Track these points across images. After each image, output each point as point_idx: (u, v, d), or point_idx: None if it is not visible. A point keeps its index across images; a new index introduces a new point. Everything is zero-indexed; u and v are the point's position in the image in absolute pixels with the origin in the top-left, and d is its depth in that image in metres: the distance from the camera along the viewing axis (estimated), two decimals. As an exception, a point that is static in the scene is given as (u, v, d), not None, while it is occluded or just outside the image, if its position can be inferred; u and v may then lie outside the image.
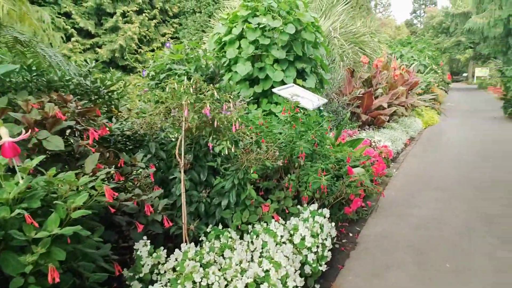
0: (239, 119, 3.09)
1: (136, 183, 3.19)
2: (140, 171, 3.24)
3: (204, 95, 3.06)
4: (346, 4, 10.21)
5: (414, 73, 13.32)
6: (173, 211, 3.39)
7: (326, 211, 3.72)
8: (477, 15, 13.57)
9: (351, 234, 4.15)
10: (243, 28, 6.02)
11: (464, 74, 54.00)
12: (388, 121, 9.63)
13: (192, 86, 3.11)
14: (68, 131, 3.11)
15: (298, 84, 5.92)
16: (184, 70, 4.04)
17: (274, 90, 4.81)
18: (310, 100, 4.61)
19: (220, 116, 3.05)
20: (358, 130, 8.16)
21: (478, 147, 9.35)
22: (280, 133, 4.05)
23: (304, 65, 6.13)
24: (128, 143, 3.62)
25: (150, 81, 4.27)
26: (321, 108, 5.73)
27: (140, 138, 3.63)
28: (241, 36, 6.09)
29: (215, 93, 3.09)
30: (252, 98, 5.93)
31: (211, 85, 3.87)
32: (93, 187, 2.33)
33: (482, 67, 45.16)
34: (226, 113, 3.14)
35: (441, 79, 23.26)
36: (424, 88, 15.74)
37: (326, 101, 5.34)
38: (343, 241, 3.99)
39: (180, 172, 3.21)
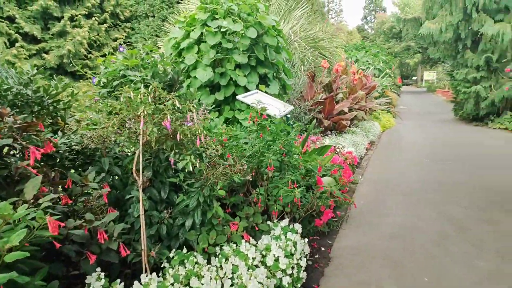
0: (204, 131, 2.78)
1: (87, 205, 2.80)
2: (92, 192, 2.86)
3: (164, 104, 2.73)
4: (303, 9, 10.13)
5: (371, 77, 13.48)
6: (131, 235, 3.02)
7: (298, 226, 3.48)
8: (429, 20, 13.93)
9: (323, 249, 3.93)
10: (202, 32, 5.71)
11: (414, 78, 56.17)
12: (349, 126, 9.60)
13: (150, 95, 2.77)
14: (5, 150, 2.68)
15: (261, 90, 5.68)
16: (140, 76, 3.68)
17: (238, 97, 4.52)
18: (277, 108, 4.37)
19: (183, 128, 2.73)
20: (321, 136, 8.04)
21: (435, 150, 9.51)
22: (246, 143, 3.77)
23: (267, 70, 5.90)
24: (77, 159, 3.21)
25: (101, 89, 3.87)
26: (288, 115, 5.52)
27: (91, 153, 3.23)
28: (199, 41, 5.78)
29: (177, 102, 2.77)
30: (213, 105, 5.62)
31: (171, 93, 3.54)
32: (34, 218, 1.95)
33: (430, 71, 47.24)
34: (189, 124, 2.82)
35: (393, 83, 23.94)
36: (380, 92, 16.02)
37: (293, 108, 5.12)
38: (315, 256, 3.76)
39: (138, 190, 2.85)
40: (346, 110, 8.87)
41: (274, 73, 6.15)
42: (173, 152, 2.84)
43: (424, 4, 15.57)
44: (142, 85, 3.30)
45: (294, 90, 7.96)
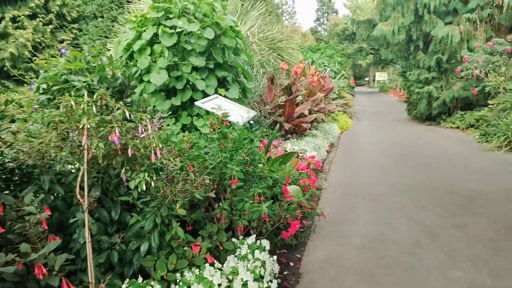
0: (160, 144, 2.44)
1: (23, 233, 2.40)
2: (30, 217, 2.44)
3: (112, 115, 2.37)
4: (260, 10, 9.91)
5: (329, 79, 13.50)
6: (77, 264, 2.63)
7: (266, 243, 3.21)
8: (382, 22, 14.15)
9: (292, 264, 3.67)
10: (155, 33, 5.33)
11: (366, 78, 57.68)
12: (310, 129, 9.48)
13: (95, 104, 2.40)
14: None
15: (220, 94, 5.38)
16: (85, 82, 3.27)
17: (196, 103, 4.18)
18: (239, 114, 4.08)
19: (135, 142, 2.37)
20: (282, 140, 7.84)
21: (394, 150, 9.58)
22: (207, 153, 3.45)
23: (226, 73, 5.60)
24: (12, 178, 2.77)
25: (40, 96, 3.43)
26: (252, 122, 5.25)
27: (29, 170, 2.80)
28: (152, 42, 5.39)
29: (127, 112, 2.41)
30: (169, 111, 5.25)
31: (122, 100, 3.17)
32: None
33: (381, 71, 48.70)
34: (142, 136, 2.47)
35: (347, 84, 24.33)
36: (336, 93, 16.14)
37: (256, 113, 4.85)
38: (284, 273, 3.49)
39: (83, 213, 2.47)
40: (306, 112, 8.73)
41: (234, 76, 5.86)
42: (124, 168, 2.47)
43: (378, 6, 15.83)
44: (87, 91, 2.90)
45: (254, 93, 7.71)
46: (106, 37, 17.72)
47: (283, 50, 10.14)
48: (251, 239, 3.18)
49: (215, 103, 3.95)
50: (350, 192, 6.01)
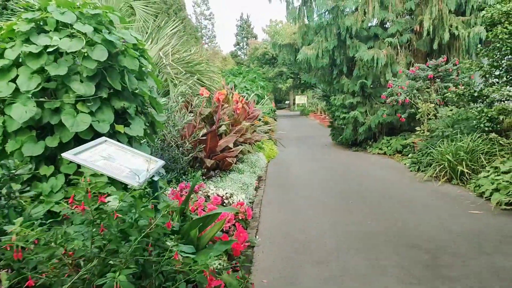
0: None
1: None
2: None
3: None
4: (175, 27, 8.70)
5: (253, 105, 12.57)
6: None
7: None
8: (306, 46, 13.65)
9: None
10: (22, 51, 3.87)
11: (286, 102, 58.72)
12: (235, 163, 8.32)
13: None
14: None
15: (119, 131, 4.04)
16: None
17: (65, 155, 2.74)
18: (136, 169, 2.80)
19: None
20: (204, 180, 6.57)
21: (329, 184, 8.74)
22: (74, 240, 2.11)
23: (126, 103, 4.26)
24: None
25: None
26: (161, 173, 3.96)
27: None
28: (20, 62, 3.92)
29: None
30: (44, 156, 3.80)
31: None
32: None
33: (301, 95, 49.75)
34: None
35: (271, 109, 23.84)
36: (261, 119, 15.30)
37: (163, 163, 3.56)
38: None
39: None
40: (231, 145, 7.57)
41: (137, 107, 4.53)
42: None
43: (300, 30, 15.38)
44: None
45: (168, 126, 6.40)
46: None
47: (203, 74, 8.99)
48: None
49: (99, 152, 2.62)
50: (290, 250, 4.84)
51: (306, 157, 13.64)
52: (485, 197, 6.63)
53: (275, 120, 26.05)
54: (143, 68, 4.60)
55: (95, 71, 3.93)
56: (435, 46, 12.53)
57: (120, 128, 4.10)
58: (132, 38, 4.41)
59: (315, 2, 14.40)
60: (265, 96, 18.88)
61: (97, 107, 4.01)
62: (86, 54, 3.86)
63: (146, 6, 8.71)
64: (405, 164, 10.68)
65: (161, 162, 3.45)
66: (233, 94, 8.97)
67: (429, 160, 8.85)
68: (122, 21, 4.61)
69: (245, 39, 69.57)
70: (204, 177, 6.86)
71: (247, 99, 12.64)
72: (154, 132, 4.93)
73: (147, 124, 4.69)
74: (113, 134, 4.12)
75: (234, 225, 4.85)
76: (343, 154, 14.08)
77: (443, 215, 5.99)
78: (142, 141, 4.85)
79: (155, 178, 3.24)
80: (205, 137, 6.89)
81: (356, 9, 13.23)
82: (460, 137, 8.45)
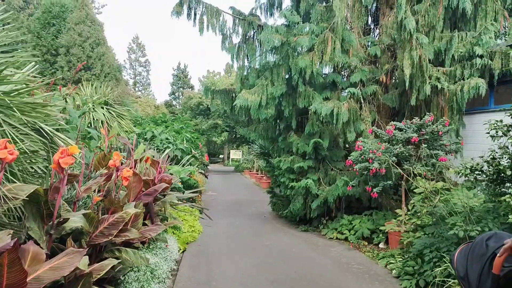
0: None
1: None
2: None
3: None
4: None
5: (167, 165, 8.68)
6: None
7: None
8: (246, 90, 10.13)
9: None
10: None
11: (221, 156, 55.39)
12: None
13: None
14: None
15: None
16: None
17: None
18: None
19: None
20: None
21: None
22: None
23: None
24: None
25: None
26: None
27: None
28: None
29: None
30: None
31: None
32: None
33: (236, 150, 46.74)
34: None
35: (200, 162, 20.03)
36: (186, 178, 11.39)
37: None
38: None
39: None
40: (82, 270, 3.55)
41: None
42: None
43: (239, 72, 12.06)
44: None
45: None
46: None
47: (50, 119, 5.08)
48: None
49: None
50: None
51: (239, 241, 9.78)
52: None
53: (206, 177, 22.21)
54: None
55: None
56: (412, 102, 9.59)
57: None
58: None
59: (258, 37, 11.25)
60: (191, 151, 15.04)
61: None
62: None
63: None
64: (385, 266, 7.18)
65: None
66: (112, 153, 4.98)
67: (440, 273, 5.40)
68: None
69: (181, 89, 66.47)
70: None
71: (159, 157, 8.71)
72: None
73: None
74: None
75: None
76: (290, 237, 10.36)
77: None
78: None
79: None
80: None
81: (312, 48, 10.10)
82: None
